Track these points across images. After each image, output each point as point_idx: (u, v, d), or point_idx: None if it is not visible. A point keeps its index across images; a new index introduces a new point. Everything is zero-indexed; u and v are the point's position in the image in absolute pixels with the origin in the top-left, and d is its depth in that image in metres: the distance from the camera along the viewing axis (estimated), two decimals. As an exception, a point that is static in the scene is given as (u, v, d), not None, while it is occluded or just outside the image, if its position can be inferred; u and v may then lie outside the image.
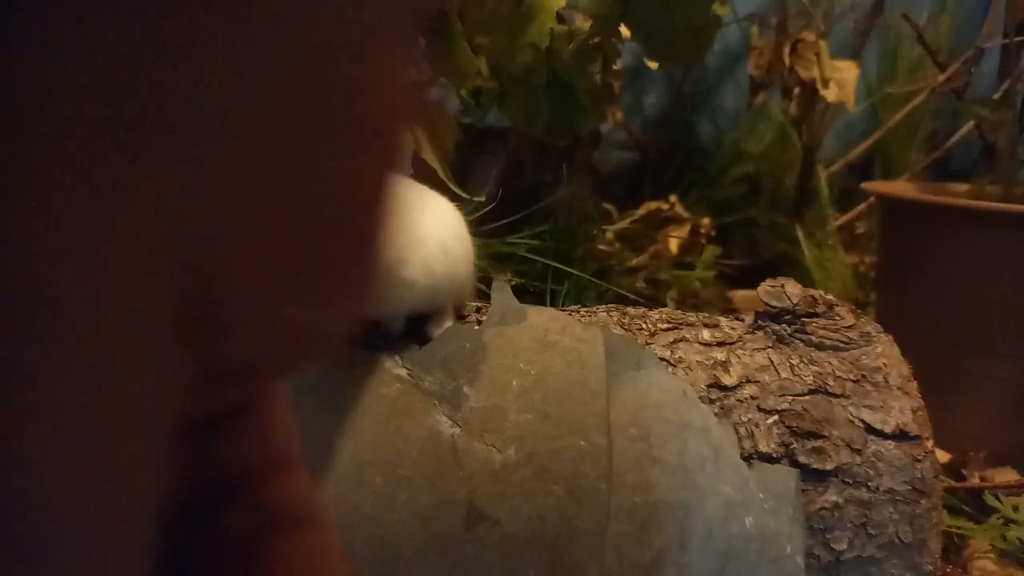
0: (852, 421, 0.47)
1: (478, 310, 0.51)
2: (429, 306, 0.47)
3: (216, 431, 0.22)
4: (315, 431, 0.43)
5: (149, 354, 0.15)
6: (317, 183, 0.17)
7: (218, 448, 0.23)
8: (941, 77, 1.29)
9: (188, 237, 0.15)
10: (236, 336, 0.17)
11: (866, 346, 0.51)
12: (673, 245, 1.19)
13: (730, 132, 1.48)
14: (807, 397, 0.48)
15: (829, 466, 0.46)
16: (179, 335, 0.15)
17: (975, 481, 0.78)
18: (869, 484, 0.46)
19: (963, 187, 1.03)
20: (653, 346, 0.49)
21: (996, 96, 1.07)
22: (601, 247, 1.13)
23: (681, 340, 0.50)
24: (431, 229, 0.46)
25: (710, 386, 0.48)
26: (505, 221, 1.00)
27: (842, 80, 1.13)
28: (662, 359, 0.49)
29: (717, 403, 0.47)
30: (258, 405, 0.24)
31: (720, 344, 0.50)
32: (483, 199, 0.92)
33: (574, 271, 1.01)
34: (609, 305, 0.54)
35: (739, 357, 0.49)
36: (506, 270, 0.98)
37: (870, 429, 0.47)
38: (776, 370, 0.49)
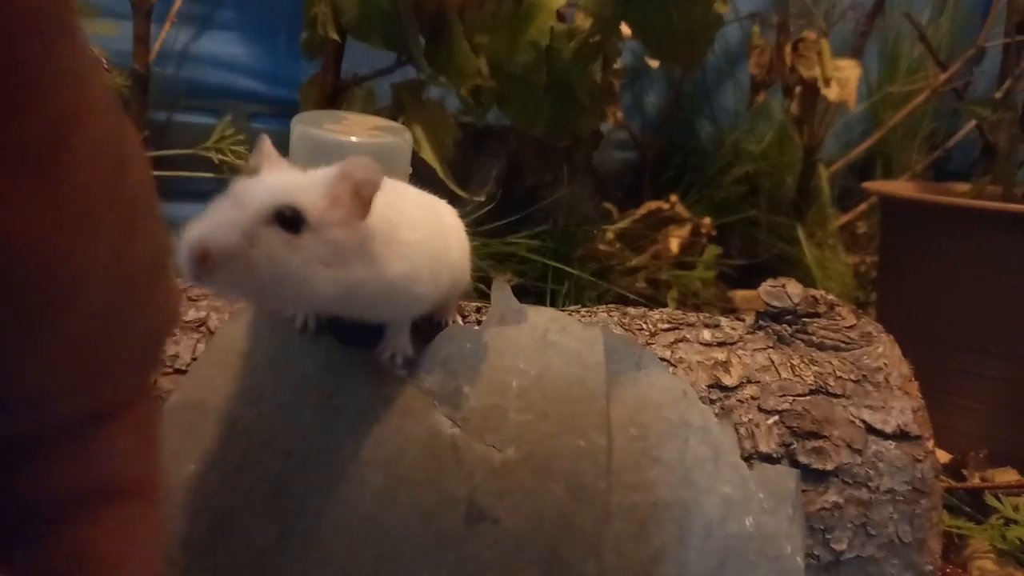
0: (852, 421, 0.47)
1: (478, 310, 0.51)
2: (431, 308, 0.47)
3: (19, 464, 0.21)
4: (316, 430, 0.43)
5: None
6: None
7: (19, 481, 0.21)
8: (942, 77, 1.29)
9: None
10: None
11: (867, 346, 0.51)
12: (673, 245, 1.19)
13: (731, 132, 1.47)
14: (808, 397, 0.48)
15: (829, 466, 0.46)
16: None
17: (975, 481, 0.77)
18: (869, 484, 0.46)
19: (963, 187, 1.03)
20: (653, 346, 0.49)
21: (997, 96, 1.07)
22: (601, 247, 1.13)
23: (681, 340, 0.50)
24: (438, 240, 0.45)
25: (710, 386, 0.48)
26: (505, 221, 1.00)
27: (844, 79, 1.13)
28: (662, 359, 0.48)
29: (717, 403, 0.47)
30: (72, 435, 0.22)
31: (721, 344, 0.50)
32: (483, 199, 0.92)
33: (574, 271, 1.01)
34: (609, 305, 0.54)
35: (740, 357, 0.49)
36: (506, 270, 0.98)
37: (870, 429, 0.47)
38: (777, 370, 0.49)
